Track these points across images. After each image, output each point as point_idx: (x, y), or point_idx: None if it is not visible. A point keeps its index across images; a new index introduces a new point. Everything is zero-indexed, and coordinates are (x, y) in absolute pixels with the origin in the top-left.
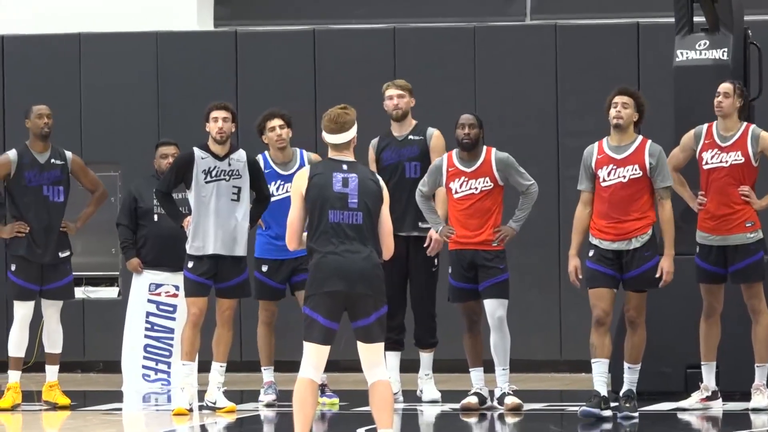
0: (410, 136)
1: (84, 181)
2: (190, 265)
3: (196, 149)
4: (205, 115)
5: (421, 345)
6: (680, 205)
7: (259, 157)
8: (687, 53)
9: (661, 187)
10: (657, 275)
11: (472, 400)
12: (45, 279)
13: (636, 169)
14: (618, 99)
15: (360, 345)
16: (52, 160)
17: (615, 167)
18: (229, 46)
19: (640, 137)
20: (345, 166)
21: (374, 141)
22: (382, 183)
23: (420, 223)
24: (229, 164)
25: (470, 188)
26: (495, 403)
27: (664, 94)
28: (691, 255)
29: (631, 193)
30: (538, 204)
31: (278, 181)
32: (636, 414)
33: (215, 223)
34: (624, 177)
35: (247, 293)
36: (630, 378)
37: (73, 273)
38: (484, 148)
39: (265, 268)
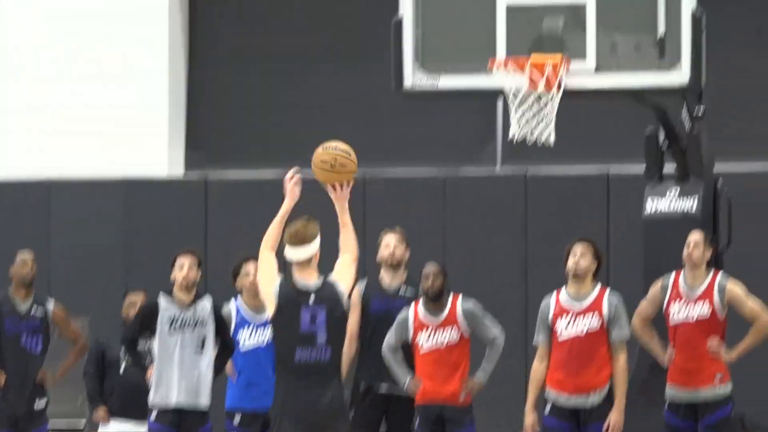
0: (402, 289)
1: (65, 332)
2: (153, 416)
3: (161, 297)
4: (171, 263)
5: None
6: (650, 357)
7: (232, 302)
8: (657, 203)
9: (617, 340)
10: (604, 429)
11: None
12: (19, 428)
13: (595, 320)
14: (576, 248)
15: None
16: (33, 309)
17: (573, 318)
18: (199, 193)
19: (599, 286)
20: (312, 298)
21: (361, 285)
22: (344, 295)
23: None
24: (194, 313)
25: (437, 341)
26: None
27: (633, 244)
28: (659, 409)
29: (589, 345)
30: (506, 357)
31: (251, 328)
32: None
33: (179, 374)
34: (582, 328)
35: None
36: None
37: None
38: (450, 296)
39: (237, 419)
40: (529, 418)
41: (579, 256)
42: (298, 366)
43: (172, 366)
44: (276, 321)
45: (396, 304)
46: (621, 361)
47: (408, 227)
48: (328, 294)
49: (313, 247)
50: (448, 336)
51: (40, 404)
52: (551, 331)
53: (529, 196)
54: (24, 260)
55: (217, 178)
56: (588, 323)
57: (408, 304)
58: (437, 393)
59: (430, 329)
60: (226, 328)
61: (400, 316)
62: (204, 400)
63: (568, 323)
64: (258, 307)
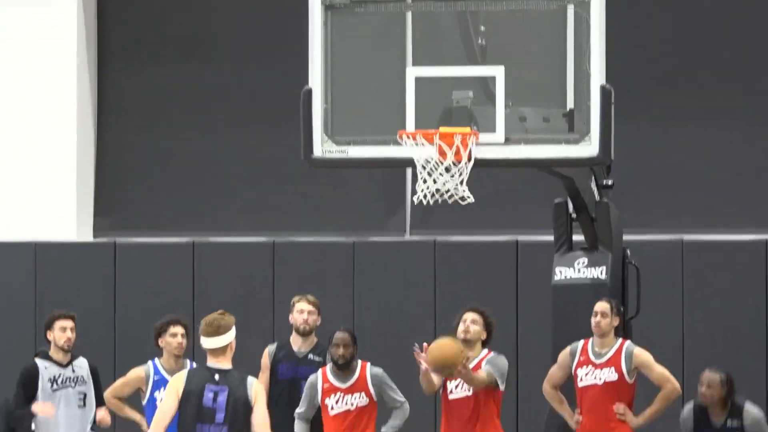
0: (311, 355)
1: None
2: None
3: (37, 360)
4: (49, 325)
5: None
6: (559, 419)
7: (149, 363)
8: (565, 271)
9: (487, 370)
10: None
11: None
12: None
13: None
14: (467, 316)
15: None
16: None
17: (461, 382)
18: (108, 257)
19: (485, 351)
20: (217, 377)
21: (271, 348)
22: (252, 385)
23: None
24: (73, 371)
25: (346, 404)
26: None
27: (541, 311)
28: None
29: (478, 405)
30: (414, 424)
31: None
32: None
33: (65, 430)
34: (468, 390)
35: None
36: None
37: None
38: (359, 362)
39: None
40: None
41: (469, 323)
42: None
43: (59, 425)
44: (183, 398)
45: (303, 369)
46: (479, 374)
47: (317, 292)
48: (234, 379)
49: (227, 338)
50: (357, 400)
51: None
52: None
53: (438, 261)
54: None
55: (126, 242)
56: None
57: (316, 369)
58: None
59: (339, 393)
60: (100, 384)
61: (309, 382)
62: None
63: (457, 385)
64: (177, 368)
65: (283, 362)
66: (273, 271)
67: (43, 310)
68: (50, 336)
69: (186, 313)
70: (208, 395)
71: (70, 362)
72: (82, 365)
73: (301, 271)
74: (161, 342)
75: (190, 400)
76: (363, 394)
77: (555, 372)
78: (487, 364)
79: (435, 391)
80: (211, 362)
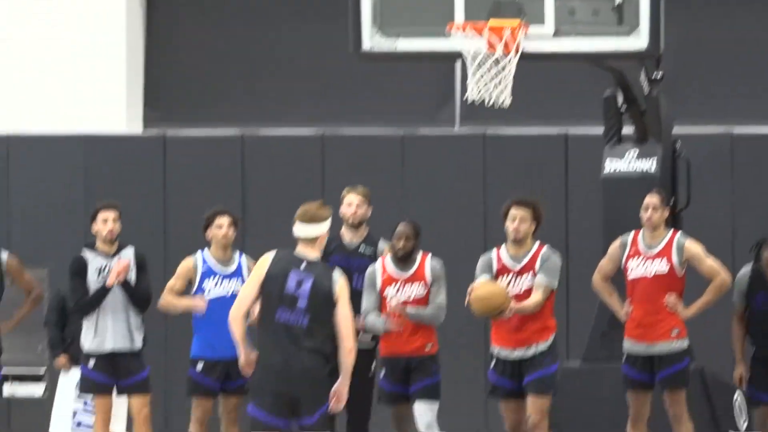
0: (362, 247)
1: (20, 282)
2: (91, 363)
3: (85, 251)
4: (92, 216)
5: None
6: (607, 311)
7: (198, 254)
8: (615, 164)
9: (540, 282)
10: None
11: None
12: None
13: (530, 278)
14: (515, 212)
15: None
16: None
17: (514, 277)
18: (158, 150)
19: (537, 244)
20: (303, 265)
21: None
22: (338, 282)
23: (359, 335)
24: (120, 261)
25: (404, 294)
26: None
27: (591, 204)
28: (617, 362)
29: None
30: (466, 312)
31: (216, 277)
32: None
33: (113, 321)
34: (521, 288)
35: (149, 389)
36: None
37: None
38: (420, 253)
39: (199, 366)
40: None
41: (518, 222)
42: (278, 326)
43: (106, 314)
44: (266, 280)
45: (355, 261)
46: (535, 298)
47: (366, 185)
48: (320, 270)
49: (321, 228)
50: (416, 290)
51: None
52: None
53: (487, 156)
54: None
55: (176, 135)
56: (527, 282)
57: (367, 260)
58: (404, 345)
59: (398, 283)
60: (146, 274)
61: (368, 273)
62: (138, 343)
63: (510, 281)
64: (225, 259)
65: (335, 254)
66: (322, 164)
67: (92, 205)
68: (95, 228)
69: (235, 207)
70: (292, 281)
71: (116, 253)
72: (128, 255)
73: (350, 164)
74: (208, 233)
75: (272, 283)
76: (422, 284)
77: (605, 264)
78: (541, 271)
79: None
80: (300, 250)
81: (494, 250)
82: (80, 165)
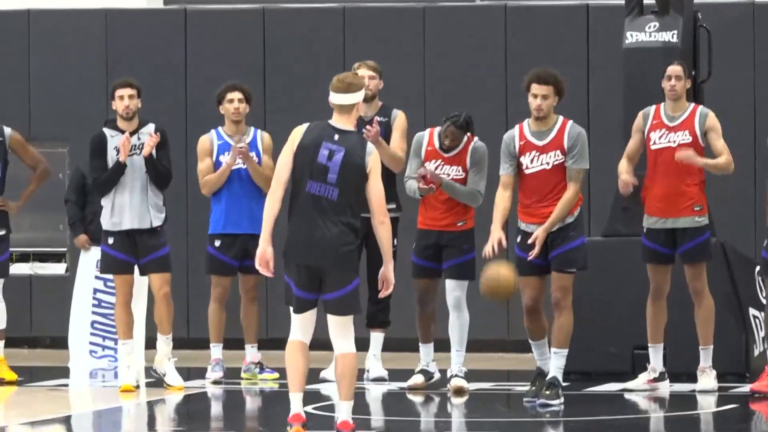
0: (377, 117)
1: (24, 158)
2: (110, 241)
3: (104, 129)
4: (111, 94)
5: (372, 324)
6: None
7: (212, 132)
8: (636, 35)
9: (573, 168)
10: (530, 241)
11: (418, 379)
12: None
13: (558, 155)
14: (537, 90)
15: (328, 317)
16: None
17: (537, 154)
18: (179, 25)
19: (561, 119)
20: (336, 137)
21: None
22: (371, 154)
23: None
24: (139, 138)
25: (445, 173)
26: (448, 383)
27: (613, 76)
28: (637, 236)
29: (555, 179)
30: (490, 186)
31: (231, 152)
32: (556, 402)
33: (131, 198)
34: (547, 164)
35: (169, 267)
36: (556, 363)
37: (21, 249)
38: (467, 136)
39: (217, 243)
40: (496, 234)
41: (540, 100)
42: (307, 197)
43: (124, 192)
44: (298, 151)
45: None
46: (572, 190)
47: (387, 57)
48: (353, 141)
49: (356, 97)
50: (454, 172)
51: (1, 233)
52: (517, 162)
53: (508, 27)
54: None
55: (197, 8)
56: (552, 158)
57: (383, 128)
58: (437, 219)
59: (439, 161)
60: (166, 150)
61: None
62: (157, 220)
63: (533, 158)
64: (237, 134)
65: None
66: (343, 36)
67: (114, 77)
68: (113, 105)
69: (257, 82)
70: (323, 152)
71: (136, 130)
72: (149, 132)
73: (371, 36)
74: (221, 109)
75: (304, 154)
76: (460, 167)
77: (630, 144)
78: (574, 157)
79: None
80: (335, 120)
81: (517, 127)
82: (101, 40)
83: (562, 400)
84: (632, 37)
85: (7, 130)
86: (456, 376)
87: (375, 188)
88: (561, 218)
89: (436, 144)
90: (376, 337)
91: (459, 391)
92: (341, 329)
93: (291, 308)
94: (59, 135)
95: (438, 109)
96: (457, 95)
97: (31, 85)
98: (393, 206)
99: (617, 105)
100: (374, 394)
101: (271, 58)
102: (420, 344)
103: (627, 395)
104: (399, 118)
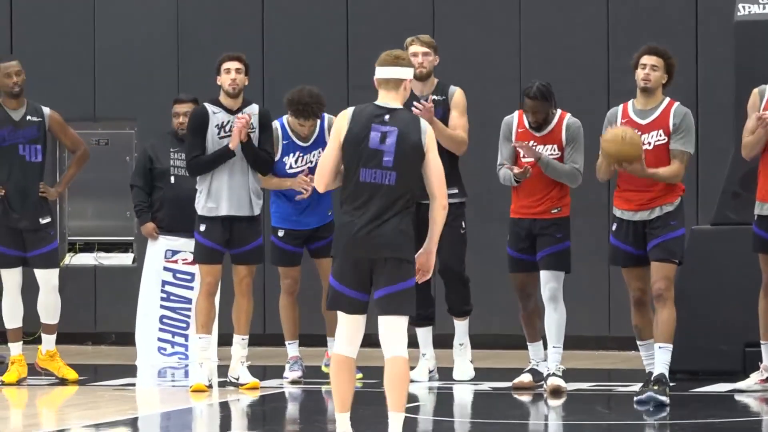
0: (433, 96)
1: (63, 140)
2: (203, 228)
3: (207, 104)
4: (216, 68)
5: (453, 312)
6: (739, 170)
7: (277, 125)
8: (749, 7)
9: (678, 148)
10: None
11: (525, 378)
12: (28, 246)
13: (660, 135)
14: (646, 60)
15: (379, 317)
16: (28, 117)
17: (639, 133)
18: None
19: (667, 100)
20: (387, 117)
21: None
22: (426, 131)
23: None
24: (238, 118)
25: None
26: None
27: (724, 50)
28: (748, 224)
29: (656, 160)
30: (590, 166)
31: (296, 153)
32: (665, 399)
33: (229, 182)
34: (649, 144)
35: (261, 259)
36: (662, 359)
37: (85, 237)
38: (558, 112)
39: (281, 233)
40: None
41: (649, 69)
42: (361, 186)
43: (223, 174)
44: (347, 139)
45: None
46: (675, 166)
47: (479, 31)
48: (406, 119)
49: (405, 72)
50: (548, 151)
51: (45, 221)
52: None
53: (611, 4)
54: (8, 72)
55: None
56: (654, 138)
57: (439, 111)
58: (531, 208)
59: (531, 141)
60: (269, 133)
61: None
62: (256, 208)
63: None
64: (235, 107)
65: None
66: (432, 7)
67: (185, 54)
68: (219, 80)
69: (339, 57)
70: (375, 136)
71: (239, 109)
72: (253, 112)
73: (462, 8)
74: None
75: (353, 141)
76: (555, 146)
77: (747, 125)
78: (679, 135)
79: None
80: (382, 100)
81: (621, 105)
82: (172, 12)
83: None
84: (744, 9)
85: (46, 110)
86: (553, 374)
87: (434, 168)
88: (656, 177)
89: (527, 124)
90: (460, 326)
91: (556, 392)
92: (394, 331)
93: (339, 313)
94: (126, 114)
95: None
96: (556, 73)
97: (96, 62)
98: (455, 191)
99: (728, 83)
100: (462, 396)
101: (354, 31)
102: (528, 343)
103: (737, 396)
104: (457, 94)
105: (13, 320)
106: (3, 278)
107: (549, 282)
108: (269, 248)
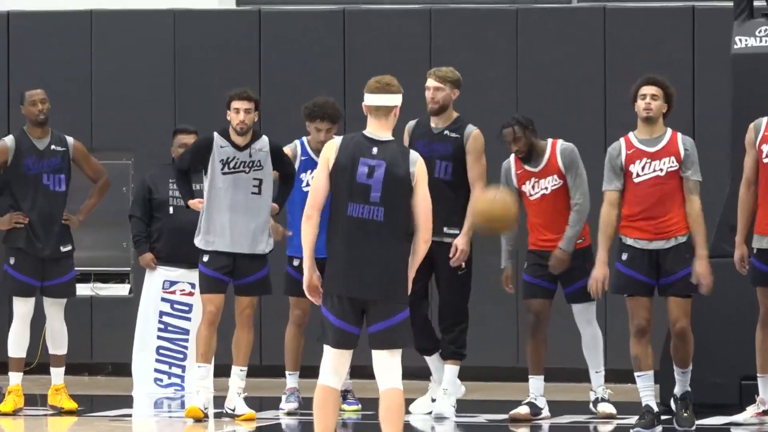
0: (446, 131)
1: (86, 169)
2: (206, 258)
3: (216, 135)
4: (227, 104)
5: (443, 355)
6: (735, 203)
7: (297, 143)
8: (746, 40)
9: (692, 180)
10: (694, 281)
11: (522, 410)
12: (46, 274)
13: (672, 161)
14: (646, 90)
15: (373, 351)
16: (52, 147)
17: (649, 160)
18: (253, 26)
19: (670, 131)
20: (375, 150)
21: (411, 124)
22: (416, 162)
23: (446, 228)
24: (250, 155)
25: (541, 188)
26: (591, 407)
27: (720, 83)
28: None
29: (669, 187)
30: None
31: (313, 171)
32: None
33: (230, 220)
34: (661, 170)
35: (267, 290)
36: (683, 380)
37: (82, 268)
38: (549, 142)
39: (296, 263)
40: (602, 270)
41: (650, 98)
42: (349, 222)
43: (222, 211)
44: (334, 171)
45: (437, 146)
46: (696, 202)
47: (476, 64)
48: (394, 152)
49: (395, 99)
50: (550, 183)
51: (65, 249)
52: (624, 175)
53: (608, 28)
54: (33, 100)
55: (271, 9)
56: (667, 164)
57: (450, 147)
58: (553, 241)
59: (533, 179)
60: (283, 159)
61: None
62: (260, 247)
63: (644, 165)
64: (242, 143)
65: (420, 140)
66: (430, 39)
67: (182, 84)
68: (228, 115)
69: (336, 88)
70: (362, 170)
71: (248, 145)
72: (262, 147)
73: (460, 39)
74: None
75: (340, 173)
76: (555, 176)
77: (747, 162)
78: (690, 168)
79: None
80: (370, 130)
81: (621, 139)
82: (169, 43)
83: None
84: (741, 42)
85: (70, 140)
86: (602, 400)
87: (421, 201)
88: (705, 237)
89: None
90: (448, 371)
91: (607, 417)
92: (388, 364)
93: (325, 346)
94: (123, 145)
95: (532, 114)
96: (551, 104)
97: (93, 92)
98: (457, 231)
99: (725, 115)
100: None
101: (351, 63)
102: (529, 376)
103: (734, 429)
104: (473, 139)
105: (19, 350)
106: (16, 306)
107: (582, 314)
108: (284, 277)
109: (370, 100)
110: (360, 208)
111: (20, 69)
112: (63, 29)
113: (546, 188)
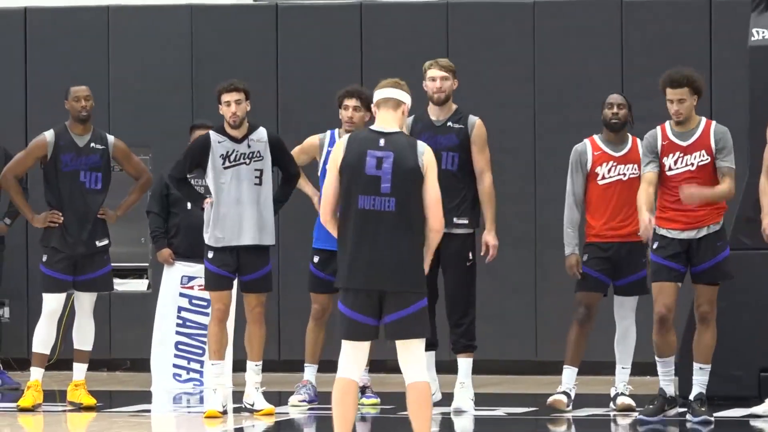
0: (449, 123)
1: (127, 167)
2: (211, 255)
3: (212, 132)
4: (216, 97)
5: (455, 349)
6: (753, 195)
7: (328, 132)
8: (763, 32)
9: (726, 166)
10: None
11: (562, 398)
12: (79, 269)
13: (703, 155)
14: (671, 95)
15: (396, 342)
16: (92, 144)
17: (681, 155)
18: (270, 21)
19: (704, 120)
20: (382, 141)
21: (408, 121)
22: (424, 153)
23: (455, 219)
24: (249, 146)
25: (618, 173)
26: (611, 403)
27: (738, 75)
28: (763, 249)
29: (700, 180)
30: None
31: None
32: (713, 419)
33: (238, 212)
34: (692, 165)
35: (270, 287)
36: (700, 380)
37: None
38: (630, 137)
39: (316, 259)
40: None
41: (676, 105)
42: (360, 215)
43: (230, 204)
44: (342, 168)
45: (442, 139)
46: (727, 182)
47: (493, 57)
48: (401, 143)
49: (404, 96)
50: (630, 170)
51: (101, 244)
52: (659, 162)
53: (625, 21)
54: (77, 96)
55: (288, 3)
56: (697, 159)
57: (454, 138)
58: (616, 230)
59: (611, 162)
60: (286, 155)
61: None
62: (267, 238)
63: (677, 160)
64: (238, 137)
65: (422, 134)
66: (446, 33)
67: (200, 78)
68: (220, 110)
69: (352, 80)
70: (371, 162)
71: (245, 137)
72: (260, 138)
73: (476, 34)
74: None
75: (349, 169)
76: (635, 166)
77: (766, 153)
78: (724, 154)
79: None
80: (378, 122)
81: (658, 128)
82: (186, 38)
83: None
84: (759, 34)
85: (111, 138)
86: (620, 394)
87: (431, 192)
88: (712, 198)
89: (602, 145)
90: (462, 363)
91: (625, 410)
92: (410, 355)
93: (344, 340)
94: (140, 141)
95: (548, 112)
96: (568, 98)
97: (110, 87)
98: (465, 221)
99: (742, 108)
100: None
101: (368, 57)
102: (564, 366)
103: (753, 422)
104: (476, 128)
105: (44, 346)
106: (46, 302)
107: (624, 307)
108: (307, 273)
109: (380, 93)
110: (371, 200)
111: (37, 64)
112: (80, 25)
113: (624, 174)
